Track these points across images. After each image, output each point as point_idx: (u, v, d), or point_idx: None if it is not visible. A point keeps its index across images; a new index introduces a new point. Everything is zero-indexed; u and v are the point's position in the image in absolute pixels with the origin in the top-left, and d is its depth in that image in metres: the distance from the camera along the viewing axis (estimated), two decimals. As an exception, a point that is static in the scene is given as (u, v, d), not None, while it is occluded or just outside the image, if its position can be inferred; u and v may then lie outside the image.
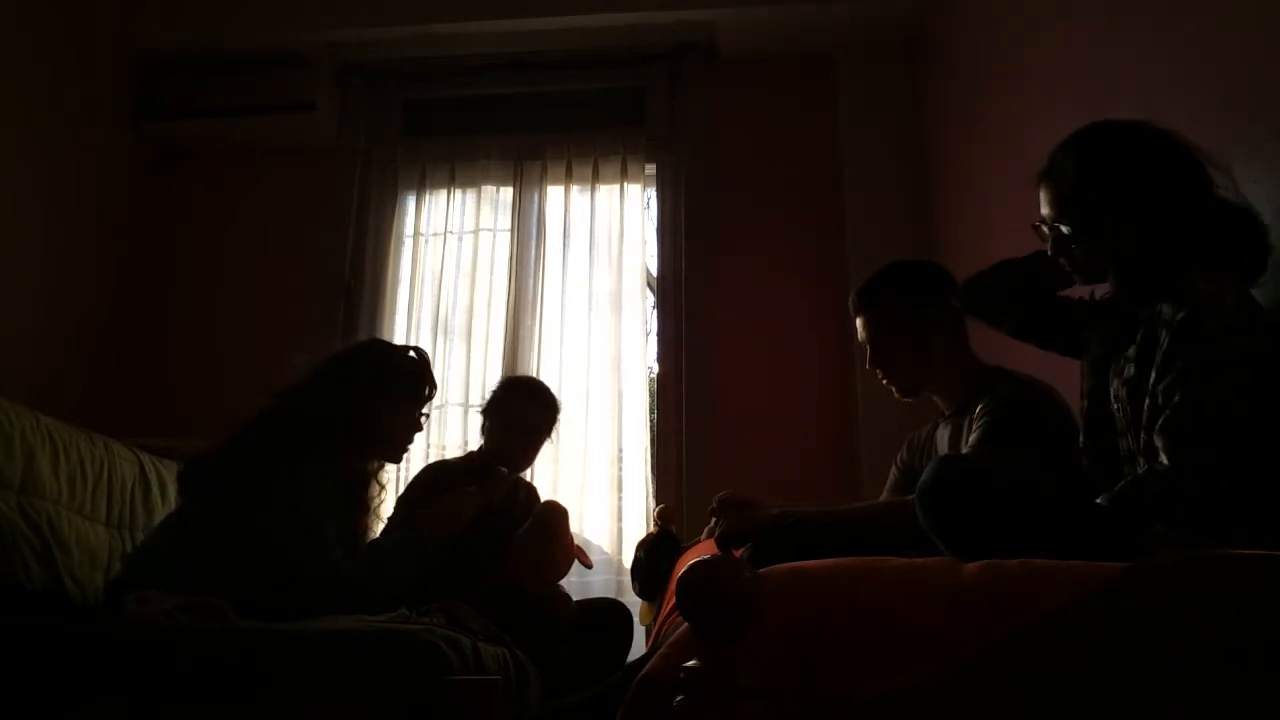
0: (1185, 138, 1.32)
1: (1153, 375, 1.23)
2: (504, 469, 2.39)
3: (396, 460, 2.12)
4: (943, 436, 1.85)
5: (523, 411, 2.39)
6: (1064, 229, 1.39)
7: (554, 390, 2.52)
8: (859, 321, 1.90)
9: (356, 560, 1.86)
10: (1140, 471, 1.24)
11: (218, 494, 1.79)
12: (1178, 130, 1.33)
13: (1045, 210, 1.42)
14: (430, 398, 2.08)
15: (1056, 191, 1.39)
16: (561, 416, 2.97)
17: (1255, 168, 1.42)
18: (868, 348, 1.89)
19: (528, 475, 2.82)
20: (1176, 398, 1.18)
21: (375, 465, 2.09)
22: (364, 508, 2.08)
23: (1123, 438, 1.34)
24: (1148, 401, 1.24)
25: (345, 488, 1.99)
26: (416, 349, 2.14)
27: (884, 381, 1.90)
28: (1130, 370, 1.30)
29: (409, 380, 2.04)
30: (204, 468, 1.86)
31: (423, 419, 2.08)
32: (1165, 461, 1.18)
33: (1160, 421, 1.19)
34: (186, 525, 1.81)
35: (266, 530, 1.74)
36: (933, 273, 1.89)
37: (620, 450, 2.99)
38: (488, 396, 2.47)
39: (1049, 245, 1.43)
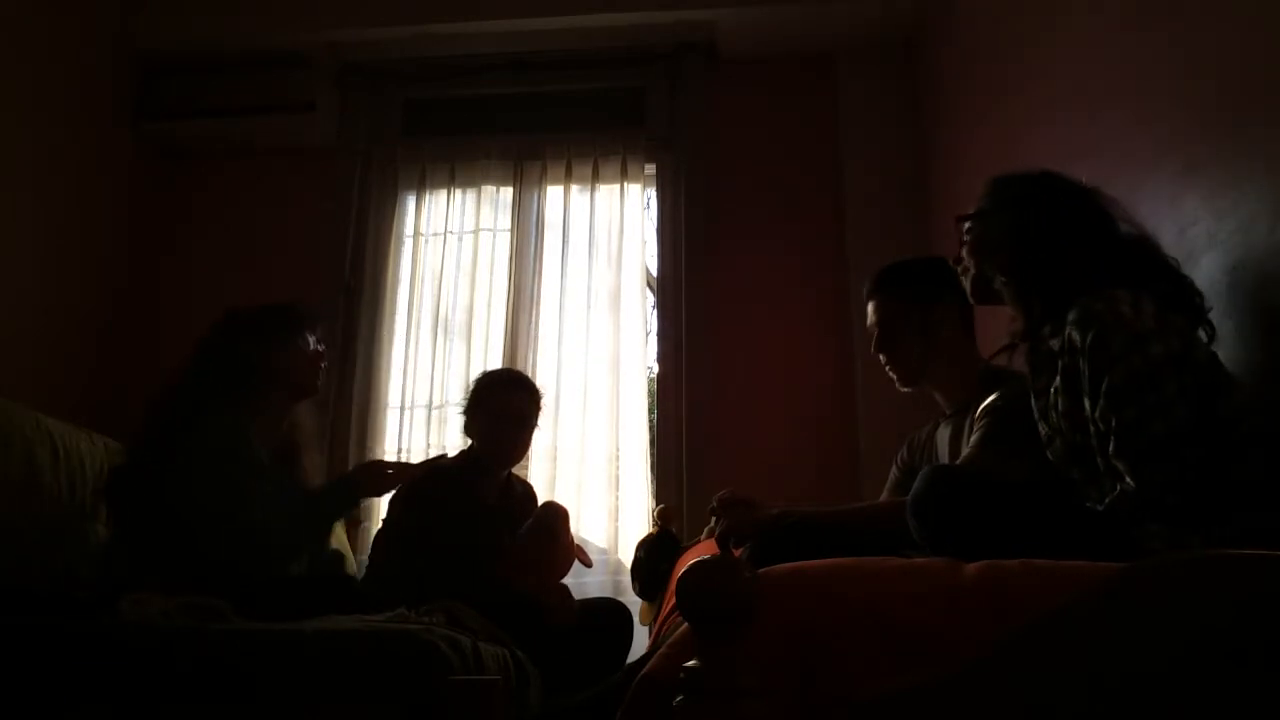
0: (1097, 191, 1.47)
1: (1086, 403, 1.27)
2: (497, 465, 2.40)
3: (310, 393, 2.12)
4: (943, 436, 1.84)
5: (508, 402, 2.38)
6: (965, 238, 1.58)
7: (537, 383, 2.53)
8: (870, 305, 1.91)
9: (277, 511, 1.90)
10: (1113, 494, 1.26)
11: (143, 479, 1.86)
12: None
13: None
14: (310, 326, 2.11)
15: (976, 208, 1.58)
16: (560, 416, 2.99)
17: (1255, 167, 1.42)
18: (875, 332, 1.89)
19: (526, 475, 2.82)
20: (1113, 421, 1.21)
21: (290, 414, 2.11)
22: (294, 455, 2.11)
23: (1075, 467, 1.35)
24: (1093, 429, 1.27)
25: (274, 442, 2.04)
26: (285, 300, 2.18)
27: (886, 368, 1.90)
28: (1063, 402, 1.34)
29: (277, 319, 2.08)
30: (126, 467, 1.94)
31: (320, 349, 2.11)
32: (1130, 482, 1.20)
33: (1111, 447, 1.22)
34: (129, 520, 1.87)
35: (193, 499, 1.80)
36: (949, 270, 1.89)
37: (618, 449, 2.99)
38: (467, 396, 2.46)
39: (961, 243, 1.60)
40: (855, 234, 3.08)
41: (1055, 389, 1.35)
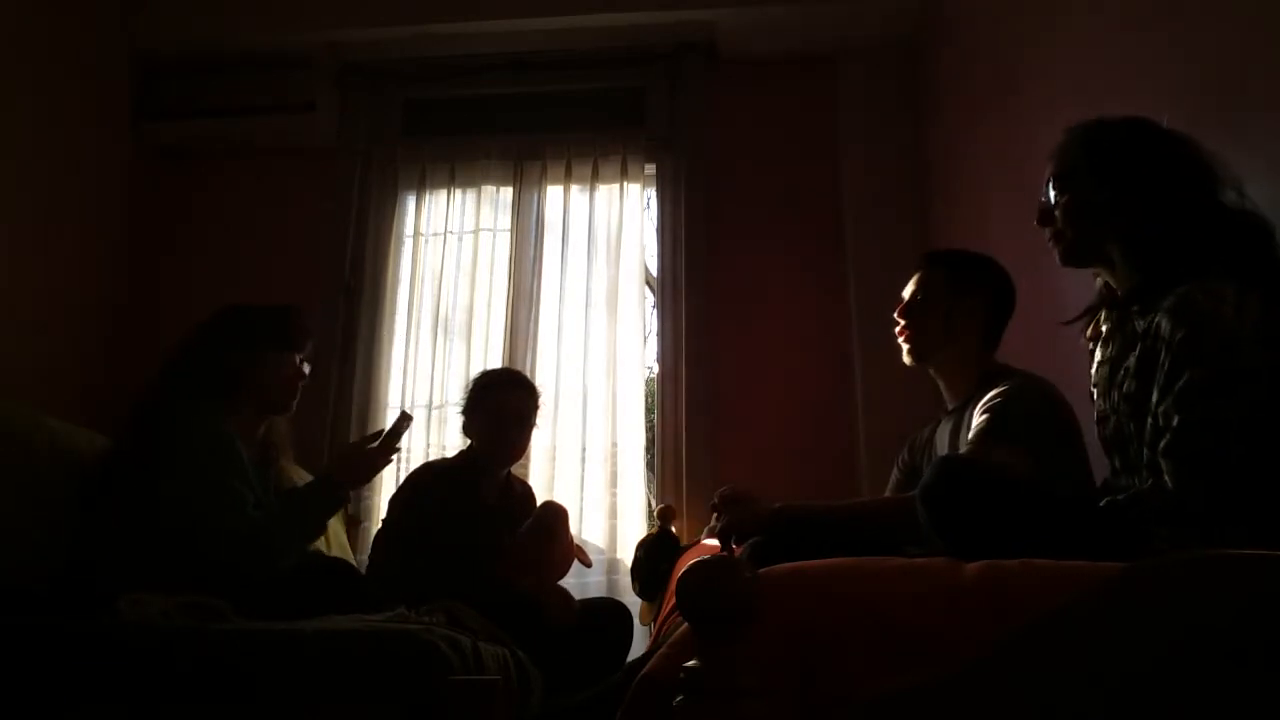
0: (1197, 143, 1.33)
1: (1155, 394, 1.22)
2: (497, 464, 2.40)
3: (284, 411, 2.09)
4: (943, 434, 1.85)
5: (506, 402, 2.38)
6: (1058, 199, 1.42)
7: (536, 382, 2.54)
8: (915, 277, 1.92)
9: (268, 512, 1.89)
10: (1144, 486, 1.24)
11: (127, 474, 1.85)
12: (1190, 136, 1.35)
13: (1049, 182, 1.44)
14: (299, 345, 2.07)
15: (1060, 163, 1.43)
16: (560, 415, 2.99)
17: (1255, 168, 1.42)
18: (905, 300, 1.90)
19: (526, 475, 2.82)
20: (1176, 421, 1.16)
21: (265, 422, 2.08)
22: (271, 460, 2.09)
23: (1117, 452, 1.34)
24: (1150, 420, 1.23)
25: (250, 447, 2.02)
26: (285, 305, 2.13)
27: (899, 337, 1.90)
28: (1131, 385, 1.29)
29: (269, 330, 2.05)
30: (110, 461, 1.93)
31: (304, 367, 2.07)
32: (1169, 482, 1.17)
33: (1163, 444, 1.18)
34: (113, 514, 1.85)
35: (178, 496, 1.79)
36: (1002, 279, 1.88)
37: (615, 446, 2.99)
38: (466, 396, 2.45)
39: (1044, 214, 1.46)
40: (855, 234, 3.08)
41: (1127, 369, 1.30)
